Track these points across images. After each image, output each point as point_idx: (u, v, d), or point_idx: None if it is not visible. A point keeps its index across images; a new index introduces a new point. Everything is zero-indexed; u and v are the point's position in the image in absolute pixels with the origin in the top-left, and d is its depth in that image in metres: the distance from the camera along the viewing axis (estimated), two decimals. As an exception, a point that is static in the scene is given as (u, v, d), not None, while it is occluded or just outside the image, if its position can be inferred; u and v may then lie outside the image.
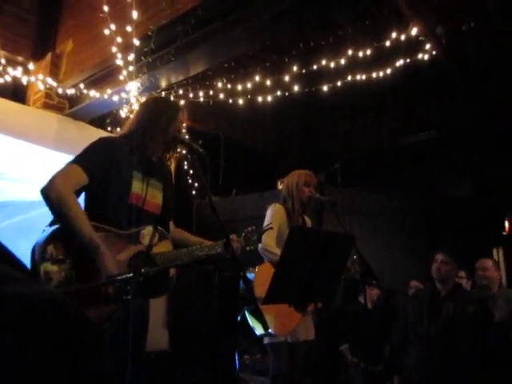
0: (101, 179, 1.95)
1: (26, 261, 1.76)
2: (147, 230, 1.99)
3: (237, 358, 4.42)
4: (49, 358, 0.44)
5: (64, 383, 0.44)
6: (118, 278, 1.63)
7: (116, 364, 1.49)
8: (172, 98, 4.35)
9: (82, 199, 2.01)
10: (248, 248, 2.30)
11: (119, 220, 1.95)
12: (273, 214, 3.04)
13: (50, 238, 1.81)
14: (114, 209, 1.95)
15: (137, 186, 2.03)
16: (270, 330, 2.71)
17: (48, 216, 1.91)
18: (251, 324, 2.86)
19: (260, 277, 2.85)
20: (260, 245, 2.85)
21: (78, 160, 1.95)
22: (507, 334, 3.36)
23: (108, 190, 1.96)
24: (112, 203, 1.95)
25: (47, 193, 1.83)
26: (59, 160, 2.93)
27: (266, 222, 2.97)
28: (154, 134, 2.09)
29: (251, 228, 2.34)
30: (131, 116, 2.46)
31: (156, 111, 2.15)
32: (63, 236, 1.83)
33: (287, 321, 2.80)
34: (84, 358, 0.47)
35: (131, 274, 1.58)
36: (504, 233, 5.74)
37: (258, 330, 2.83)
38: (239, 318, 3.04)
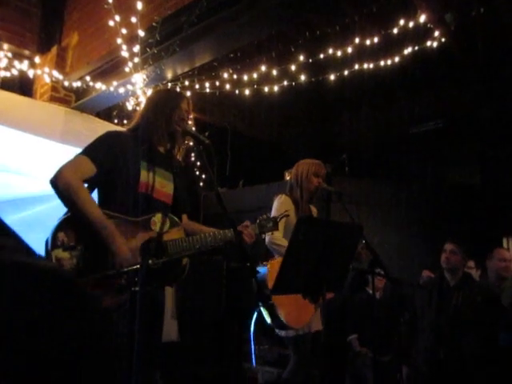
0: (109, 169, 1.98)
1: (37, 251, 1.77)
2: (157, 217, 2.02)
3: (253, 349, 4.47)
4: (50, 323, 0.43)
5: (65, 345, 0.44)
6: (129, 268, 1.64)
7: (129, 351, 1.50)
8: (178, 90, 4.34)
9: (94, 195, 2.04)
10: (263, 235, 2.30)
11: (129, 208, 1.98)
12: (279, 206, 3.01)
13: (61, 225, 1.85)
14: (124, 198, 1.98)
15: (144, 175, 2.04)
16: (283, 321, 2.71)
17: (56, 209, 1.93)
18: (266, 318, 2.86)
19: (273, 272, 2.82)
20: (267, 238, 2.83)
21: (86, 151, 2.00)
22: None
23: (117, 180, 1.99)
24: (122, 192, 1.98)
25: (56, 182, 1.88)
26: (66, 153, 2.93)
27: (272, 214, 2.93)
28: (158, 123, 2.11)
29: (266, 215, 2.34)
30: (138, 109, 2.47)
31: (158, 101, 2.18)
32: (74, 223, 1.87)
33: (303, 313, 2.79)
34: (86, 321, 0.47)
35: (138, 266, 1.59)
36: (514, 222, 5.67)
37: (273, 324, 2.84)
38: (255, 314, 3.03)
